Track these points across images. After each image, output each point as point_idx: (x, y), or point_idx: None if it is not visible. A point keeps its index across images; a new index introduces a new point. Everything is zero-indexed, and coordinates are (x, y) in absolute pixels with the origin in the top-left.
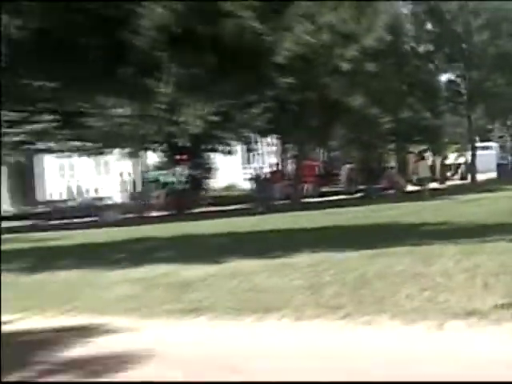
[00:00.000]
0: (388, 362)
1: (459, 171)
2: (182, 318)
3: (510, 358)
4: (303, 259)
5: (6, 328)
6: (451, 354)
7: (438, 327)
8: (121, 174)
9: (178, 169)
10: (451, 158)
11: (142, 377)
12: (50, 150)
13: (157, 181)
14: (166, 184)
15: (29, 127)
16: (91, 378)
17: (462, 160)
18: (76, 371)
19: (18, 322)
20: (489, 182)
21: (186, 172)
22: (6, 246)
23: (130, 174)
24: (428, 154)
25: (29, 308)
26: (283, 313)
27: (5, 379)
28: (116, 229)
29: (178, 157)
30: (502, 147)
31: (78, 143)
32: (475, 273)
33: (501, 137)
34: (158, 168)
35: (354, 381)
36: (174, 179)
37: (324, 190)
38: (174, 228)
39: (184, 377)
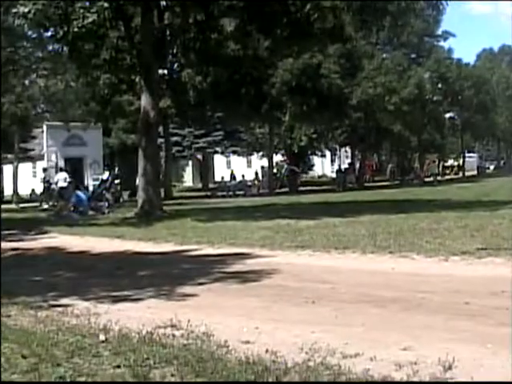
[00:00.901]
0: (415, 276)
1: (454, 170)
2: (295, 250)
3: (485, 276)
4: (365, 218)
5: (191, 253)
6: (454, 273)
7: (445, 260)
8: (262, 167)
9: (286, 165)
10: (449, 162)
11: (274, 283)
12: (218, 152)
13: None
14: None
15: (207, 139)
16: (245, 283)
17: (455, 163)
18: (236, 279)
19: (196, 251)
20: (472, 176)
21: (288, 167)
22: (191, 206)
23: (263, 168)
24: (435, 160)
25: (203, 242)
26: (354, 249)
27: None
28: (256, 198)
29: (285, 158)
30: (480, 156)
31: (234, 148)
32: (466, 229)
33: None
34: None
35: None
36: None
37: (376, 179)
38: (289, 199)
39: (294, 283)
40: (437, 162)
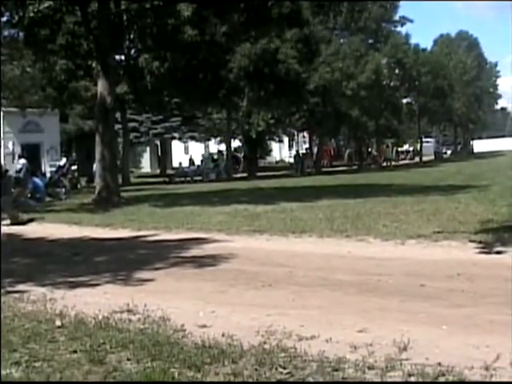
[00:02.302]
0: (371, 259)
1: (409, 155)
2: (253, 235)
3: (441, 259)
4: (323, 203)
5: (148, 239)
6: (409, 256)
7: (401, 243)
8: (218, 152)
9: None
10: (405, 147)
11: (231, 267)
12: (176, 138)
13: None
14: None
15: (164, 124)
16: (202, 268)
17: (410, 148)
18: (193, 263)
19: (153, 237)
20: (429, 161)
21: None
22: (149, 192)
23: (222, 153)
24: (389, 145)
25: (160, 228)
26: (311, 233)
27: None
28: (214, 184)
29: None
30: (437, 141)
31: (192, 134)
32: (422, 213)
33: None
34: (235, 150)
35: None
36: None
37: (334, 164)
38: (247, 184)
39: (251, 267)
40: (390, 147)
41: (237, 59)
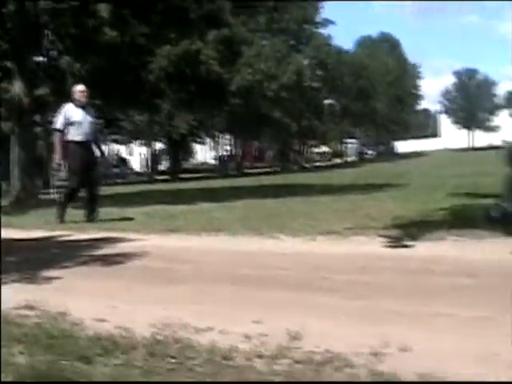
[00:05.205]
0: (279, 255)
1: (328, 156)
2: (167, 234)
3: (348, 253)
4: (241, 203)
5: (62, 239)
6: (317, 252)
7: (311, 240)
8: (140, 155)
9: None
10: (323, 149)
11: (140, 265)
12: None
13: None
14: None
15: None
16: (111, 266)
17: (328, 149)
18: (103, 262)
19: (67, 237)
20: (352, 162)
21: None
22: None
23: (144, 155)
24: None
25: (75, 228)
26: (225, 232)
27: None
28: (136, 186)
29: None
30: (362, 143)
31: (114, 136)
32: (338, 211)
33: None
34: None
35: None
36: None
37: (257, 165)
38: (169, 186)
39: (160, 264)
40: (307, 149)
41: (158, 61)
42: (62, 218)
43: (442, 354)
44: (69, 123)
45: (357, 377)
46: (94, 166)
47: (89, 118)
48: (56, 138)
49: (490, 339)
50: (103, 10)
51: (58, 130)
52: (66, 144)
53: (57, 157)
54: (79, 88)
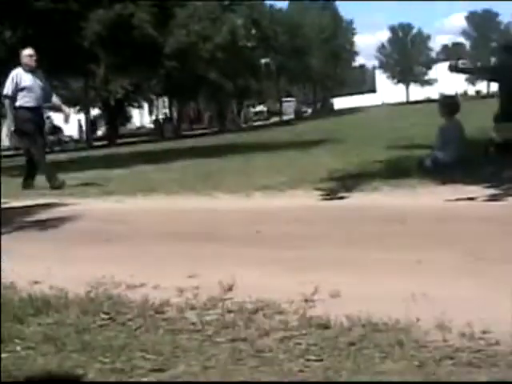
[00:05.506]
0: (214, 212)
1: (264, 115)
2: (103, 197)
3: (282, 206)
4: (178, 164)
5: None
6: (251, 207)
7: (246, 196)
8: (78, 121)
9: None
10: (259, 108)
11: (74, 227)
12: None
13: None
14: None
15: None
16: (46, 230)
17: (265, 109)
18: (37, 227)
19: (2, 205)
20: (290, 120)
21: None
22: (7, 164)
23: (80, 121)
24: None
25: (10, 196)
26: (160, 192)
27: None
28: (73, 153)
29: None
30: (299, 101)
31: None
32: (273, 167)
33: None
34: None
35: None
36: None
37: (195, 127)
38: (106, 151)
39: (93, 226)
40: (244, 109)
41: (91, 26)
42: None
43: (371, 298)
44: (19, 89)
45: (287, 322)
46: (42, 131)
47: (38, 83)
48: (7, 105)
49: (418, 280)
50: None
51: (9, 97)
52: (16, 110)
53: (11, 124)
54: (27, 52)
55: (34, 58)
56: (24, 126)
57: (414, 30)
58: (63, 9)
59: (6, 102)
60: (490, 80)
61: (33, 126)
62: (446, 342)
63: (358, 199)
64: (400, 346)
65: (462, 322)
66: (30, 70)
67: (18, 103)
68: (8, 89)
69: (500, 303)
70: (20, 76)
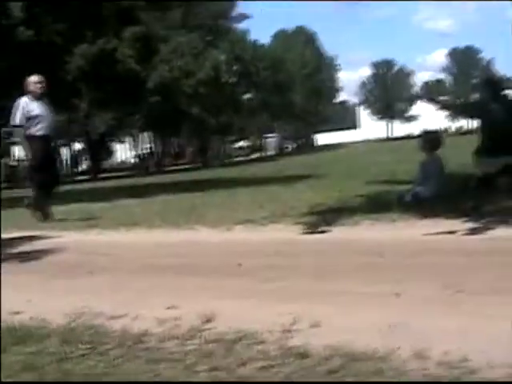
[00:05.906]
0: (196, 245)
1: (245, 151)
2: (85, 230)
3: (262, 240)
4: (160, 198)
5: None
6: (233, 240)
7: (228, 229)
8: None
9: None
10: (241, 143)
11: (57, 259)
12: (15, 143)
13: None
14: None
15: (4, 129)
16: (29, 262)
17: (247, 144)
18: (20, 258)
19: None
20: (272, 156)
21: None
22: None
23: (65, 155)
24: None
25: None
26: (143, 225)
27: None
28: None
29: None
30: (282, 137)
31: None
32: (255, 202)
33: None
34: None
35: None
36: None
37: (178, 162)
38: (89, 185)
39: (77, 258)
40: (226, 144)
41: (75, 60)
42: (43, 216)
43: (350, 328)
44: (28, 118)
45: (267, 352)
46: (55, 162)
47: (47, 111)
48: (19, 135)
49: (397, 312)
50: (16, 8)
51: (19, 126)
52: (28, 140)
53: (29, 154)
54: (34, 79)
55: (41, 85)
56: (36, 156)
57: (396, 67)
58: (47, 41)
59: (17, 131)
60: (470, 117)
61: (44, 157)
62: (424, 371)
63: (338, 233)
64: (379, 374)
65: (441, 351)
66: (38, 98)
67: (27, 132)
68: (17, 118)
69: (478, 333)
70: (28, 104)
